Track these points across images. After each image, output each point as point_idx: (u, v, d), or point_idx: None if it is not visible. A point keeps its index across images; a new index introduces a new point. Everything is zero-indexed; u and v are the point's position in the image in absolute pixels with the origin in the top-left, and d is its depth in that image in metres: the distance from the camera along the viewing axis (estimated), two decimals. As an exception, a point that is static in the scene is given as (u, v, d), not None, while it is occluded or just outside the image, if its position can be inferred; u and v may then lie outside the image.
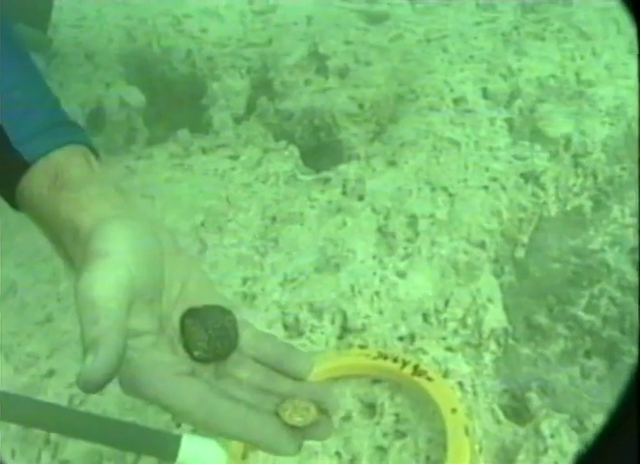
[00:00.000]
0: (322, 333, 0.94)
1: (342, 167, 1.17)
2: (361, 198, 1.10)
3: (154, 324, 0.54)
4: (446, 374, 0.88)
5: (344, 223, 1.07)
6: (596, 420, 0.81)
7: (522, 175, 1.10)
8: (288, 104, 1.29)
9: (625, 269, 0.97)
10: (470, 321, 0.94)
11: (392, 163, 1.15)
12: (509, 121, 1.21)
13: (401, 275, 1.00)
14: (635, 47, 1.23)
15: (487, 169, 1.12)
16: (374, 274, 1.00)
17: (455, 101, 1.24)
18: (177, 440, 0.74)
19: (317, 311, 0.96)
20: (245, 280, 1.02)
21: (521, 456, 0.80)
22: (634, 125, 1.16)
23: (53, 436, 0.88)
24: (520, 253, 1.04)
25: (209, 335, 0.55)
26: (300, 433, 0.52)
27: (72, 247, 0.55)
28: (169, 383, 0.51)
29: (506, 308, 0.96)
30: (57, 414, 0.77)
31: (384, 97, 1.27)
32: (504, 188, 1.08)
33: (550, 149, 1.14)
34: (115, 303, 0.50)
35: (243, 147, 1.24)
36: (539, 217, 1.07)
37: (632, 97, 1.19)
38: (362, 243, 1.04)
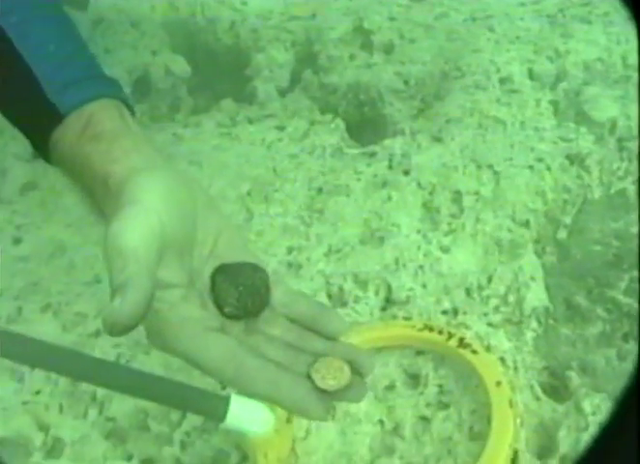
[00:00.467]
0: (366, 303, 0.95)
1: (388, 142, 1.17)
2: (406, 173, 1.11)
3: (184, 277, 0.53)
4: (488, 349, 0.89)
5: (389, 197, 1.07)
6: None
7: (567, 157, 1.10)
8: (333, 78, 1.29)
9: (667, 253, 0.97)
10: (511, 299, 0.94)
11: (437, 140, 1.15)
12: (554, 103, 1.20)
13: (445, 250, 1.00)
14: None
15: (533, 149, 1.11)
16: (418, 248, 1.00)
17: (502, 81, 1.24)
18: (226, 401, 0.74)
19: (361, 282, 0.97)
20: (290, 250, 1.03)
21: (562, 432, 0.81)
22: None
23: (100, 394, 0.90)
24: (562, 234, 1.03)
25: (239, 292, 0.54)
26: (331, 396, 0.51)
27: (103, 200, 0.55)
28: (198, 338, 0.50)
29: (547, 288, 0.96)
30: (106, 368, 0.78)
31: (429, 74, 1.27)
32: (549, 168, 1.08)
33: (595, 132, 1.14)
34: (145, 249, 0.49)
35: (289, 118, 1.24)
36: (583, 200, 1.07)
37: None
38: (406, 217, 1.04)
